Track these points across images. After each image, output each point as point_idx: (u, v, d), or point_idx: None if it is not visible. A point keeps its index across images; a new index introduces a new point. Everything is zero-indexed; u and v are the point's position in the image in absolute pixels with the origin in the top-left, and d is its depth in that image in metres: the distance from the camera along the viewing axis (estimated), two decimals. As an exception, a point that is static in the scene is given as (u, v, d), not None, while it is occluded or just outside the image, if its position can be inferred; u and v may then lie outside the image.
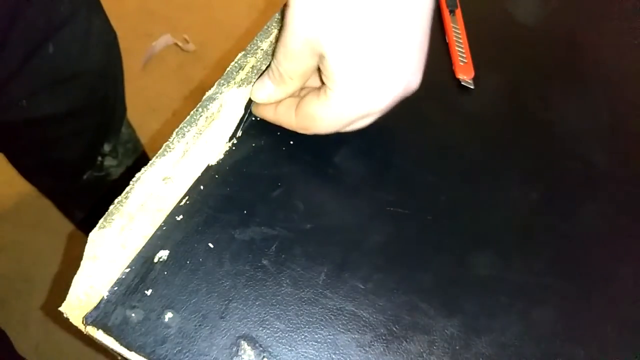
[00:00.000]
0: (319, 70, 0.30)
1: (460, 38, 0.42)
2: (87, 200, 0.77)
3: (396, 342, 0.29)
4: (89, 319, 0.28)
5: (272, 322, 0.29)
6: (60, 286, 1.14)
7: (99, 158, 0.71)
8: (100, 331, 0.28)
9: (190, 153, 0.34)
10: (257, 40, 0.39)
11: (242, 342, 0.28)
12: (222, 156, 0.35)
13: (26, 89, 0.54)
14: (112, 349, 0.28)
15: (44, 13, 0.50)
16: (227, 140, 0.35)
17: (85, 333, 0.29)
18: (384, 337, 0.29)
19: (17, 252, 1.20)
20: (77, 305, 0.29)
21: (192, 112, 0.35)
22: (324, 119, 0.31)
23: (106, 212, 0.32)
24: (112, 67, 0.65)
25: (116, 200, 0.32)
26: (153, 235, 0.31)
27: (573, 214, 0.34)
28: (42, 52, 0.52)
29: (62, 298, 0.29)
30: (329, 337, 0.29)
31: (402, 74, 0.30)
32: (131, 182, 0.33)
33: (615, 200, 0.35)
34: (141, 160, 0.77)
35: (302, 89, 0.34)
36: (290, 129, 0.34)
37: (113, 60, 0.65)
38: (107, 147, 0.71)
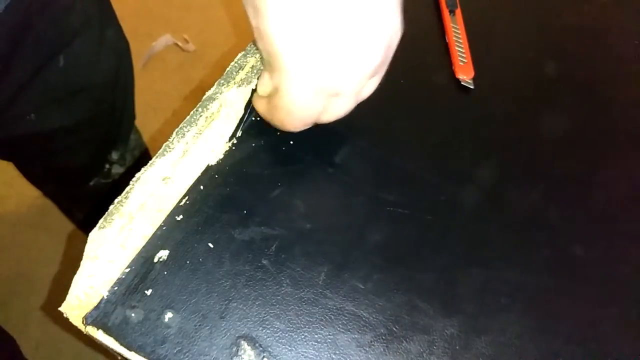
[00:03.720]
0: None
1: (460, 38, 0.42)
2: (92, 204, 0.77)
3: (396, 342, 0.29)
4: (89, 319, 0.28)
5: (272, 322, 0.29)
6: (60, 286, 1.14)
7: (107, 165, 0.70)
8: (100, 331, 0.28)
9: (190, 153, 0.34)
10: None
11: (242, 342, 0.28)
12: (222, 156, 0.35)
13: (35, 103, 0.53)
14: (112, 349, 0.28)
15: (54, 25, 0.49)
16: (227, 140, 0.35)
17: (85, 333, 0.29)
18: (384, 337, 0.29)
19: (17, 252, 1.20)
20: (77, 305, 0.29)
21: (192, 112, 0.35)
22: (282, 109, 0.29)
23: (106, 212, 0.32)
24: (122, 77, 0.64)
25: (116, 200, 0.32)
26: (153, 235, 0.31)
27: (573, 213, 0.34)
28: (52, 65, 0.51)
29: (62, 298, 0.29)
30: (329, 337, 0.29)
31: (354, 50, 0.26)
32: (131, 182, 0.33)
33: (616, 200, 0.35)
34: (142, 160, 0.77)
35: None
36: (275, 126, 0.32)
37: (123, 70, 0.64)
38: (115, 155, 0.70)
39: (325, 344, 0.28)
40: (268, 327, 0.29)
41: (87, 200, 0.76)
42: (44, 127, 0.56)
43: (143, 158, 0.76)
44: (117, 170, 0.72)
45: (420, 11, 0.45)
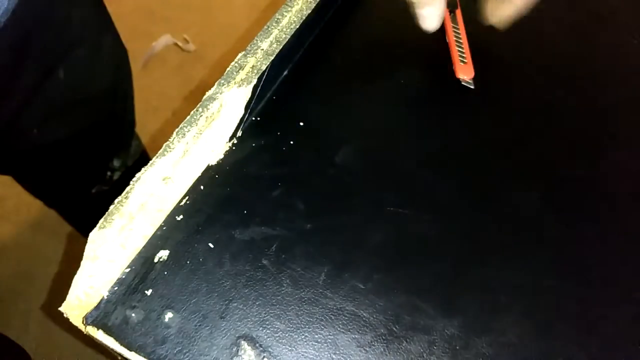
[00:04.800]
0: None
1: (460, 38, 0.42)
2: (93, 211, 0.76)
3: (396, 342, 0.29)
4: (89, 319, 0.28)
5: (272, 322, 0.29)
6: (60, 286, 1.14)
7: (108, 173, 0.70)
8: (100, 331, 0.28)
9: (190, 153, 0.34)
10: (257, 40, 0.38)
11: (242, 342, 0.28)
12: (222, 156, 0.35)
13: (38, 118, 0.52)
14: (112, 349, 0.28)
15: (54, 37, 0.48)
16: (227, 140, 0.35)
17: (85, 333, 0.29)
18: (384, 337, 0.29)
19: (17, 252, 1.20)
20: (77, 305, 0.29)
21: (192, 112, 0.35)
22: None
23: (106, 212, 0.32)
24: (121, 85, 0.63)
25: (116, 200, 0.32)
26: (153, 235, 0.31)
27: (573, 214, 0.34)
28: (53, 78, 0.50)
29: (62, 298, 0.29)
30: (329, 337, 0.29)
31: None
32: (131, 182, 0.33)
33: (616, 200, 0.35)
34: (141, 160, 0.77)
35: None
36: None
37: (122, 77, 0.63)
38: (116, 162, 0.70)
39: (325, 344, 0.28)
40: (268, 327, 0.29)
41: (88, 207, 0.76)
42: (45, 140, 0.55)
43: (141, 161, 0.76)
44: (118, 177, 0.71)
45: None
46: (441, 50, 0.42)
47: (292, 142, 0.35)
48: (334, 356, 0.28)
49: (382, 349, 0.28)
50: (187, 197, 0.33)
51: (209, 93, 0.36)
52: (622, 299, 0.31)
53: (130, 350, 0.28)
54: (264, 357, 0.28)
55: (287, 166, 0.34)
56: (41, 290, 1.15)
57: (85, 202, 0.73)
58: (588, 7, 0.47)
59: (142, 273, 0.30)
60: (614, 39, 0.44)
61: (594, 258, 0.32)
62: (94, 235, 0.31)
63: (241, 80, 0.37)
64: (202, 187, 0.33)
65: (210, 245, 0.31)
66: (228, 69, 0.38)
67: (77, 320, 0.29)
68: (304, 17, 0.40)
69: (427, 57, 0.42)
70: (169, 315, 0.28)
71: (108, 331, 0.28)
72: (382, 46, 0.42)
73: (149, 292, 0.29)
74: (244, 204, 0.33)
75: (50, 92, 0.51)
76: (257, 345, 0.28)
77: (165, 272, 0.30)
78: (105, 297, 0.29)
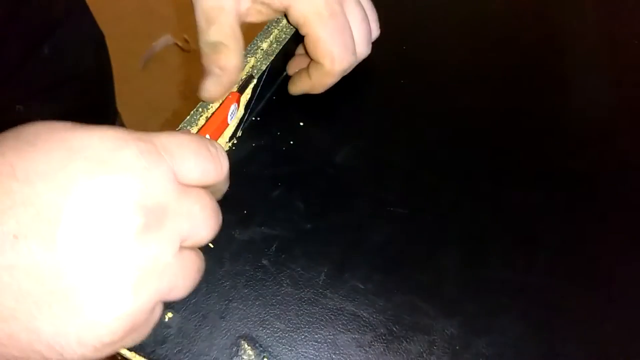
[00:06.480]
0: None
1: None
2: None
3: (396, 342, 0.29)
4: (89, 319, 0.28)
5: (272, 322, 0.29)
6: (60, 286, 1.14)
7: None
8: (100, 331, 0.28)
9: (190, 153, 0.34)
10: (257, 40, 0.38)
11: (242, 342, 0.28)
12: (222, 156, 0.35)
13: (22, 93, 0.53)
14: (112, 349, 0.28)
15: (39, 15, 0.50)
16: (227, 140, 0.35)
17: (85, 333, 0.29)
18: (384, 337, 0.29)
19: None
20: (77, 305, 0.29)
21: (192, 112, 0.35)
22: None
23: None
24: (103, 68, 0.65)
25: (116, 200, 0.32)
26: (153, 235, 0.31)
27: (573, 213, 0.34)
28: (38, 54, 0.51)
29: (62, 298, 0.29)
30: (329, 337, 0.29)
31: None
32: (131, 182, 0.33)
33: (616, 200, 0.35)
34: None
35: None
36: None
37: (104, 59, 0.65)
38: None
39: (325, 344, 0.28)
40: (268, 327, 0.29)
41: None
42: (30, 118, 0.56)
43: None
44: None
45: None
46: (440, 49, 0.42)
47: (292, 142, 0.35)
48: (334, 356, 0.28)
49: (382, 349, 0.28)
50: (187, 197, 0.33)
51: (209, 93, 0.36)
52: (623, 299, 0.31)
53: (130, 350, 0.28)
54: (264, 357, 0.28)
55: (287, 166, 0.34)
56: (41, 290, 1.14)
57: None
58: (588, 7, 0.47)
59: (142, 273, 0.30)
60: (613, 38, 0.44)
61: (594, 258, 0.32)
62: (94, 235, 0.31)
63: (241, 80, 0.37)
64: (202, 187, 0.33)
65: (210, 245, 0.31)
66: (228, 69, 0.38)
67: (77, 320, 0.28)
68: (304, 17, 0.40)
69: (426, 58, 0.42)
70: (169, 315, 0.28)
71: (108, 331, 0.28)
72: (381, 46, 0.42)
73: (148, 292, 0.29)
74: (244, 204, 0.33)
75: (36, 68, 0.52)
76: (257, 345, 0.28)
77: (165, 272, 0.30)
78: (105, 297, 0.29)
